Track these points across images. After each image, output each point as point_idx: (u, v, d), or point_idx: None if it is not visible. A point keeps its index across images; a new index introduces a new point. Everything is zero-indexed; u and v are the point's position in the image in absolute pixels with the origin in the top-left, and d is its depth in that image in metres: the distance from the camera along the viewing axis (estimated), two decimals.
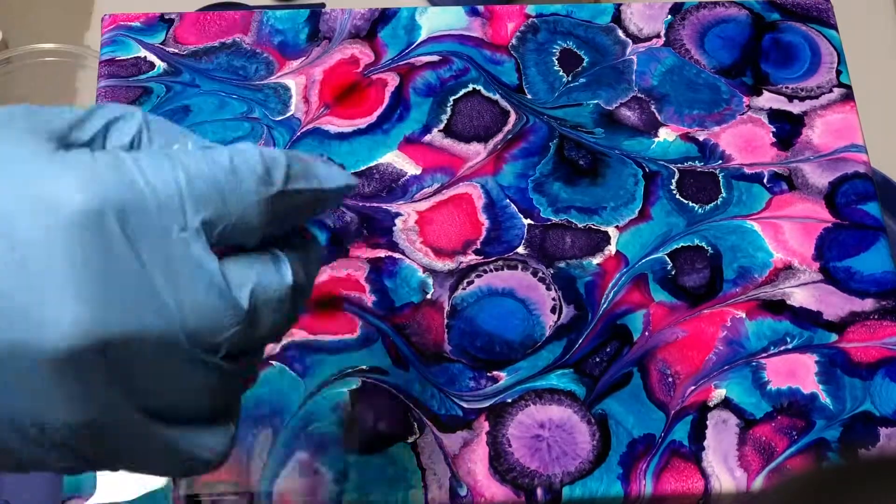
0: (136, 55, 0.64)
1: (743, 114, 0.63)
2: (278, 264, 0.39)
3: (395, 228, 0.59)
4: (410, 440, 0.54)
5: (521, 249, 0.59)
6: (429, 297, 0.57)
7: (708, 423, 0.55)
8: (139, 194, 0.37)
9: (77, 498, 0.52)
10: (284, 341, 0.56)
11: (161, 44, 0.64)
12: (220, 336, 0.38)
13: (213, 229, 0.38)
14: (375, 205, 0.60)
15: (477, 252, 0.59)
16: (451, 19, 0.66)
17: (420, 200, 0.60)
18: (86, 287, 0.35)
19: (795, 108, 0.64)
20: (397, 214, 0.59)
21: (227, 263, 0.38)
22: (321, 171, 0.40)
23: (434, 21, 0.66)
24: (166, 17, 0.65)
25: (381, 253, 0.58)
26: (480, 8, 0.66)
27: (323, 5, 0.85)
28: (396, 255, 0.58)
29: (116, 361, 0.36)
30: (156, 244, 0.37)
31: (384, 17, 0.66)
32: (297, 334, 0.56)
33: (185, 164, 0.38)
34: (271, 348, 0.55)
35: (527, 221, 0.59)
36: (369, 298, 0.57)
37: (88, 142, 0.39)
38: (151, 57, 0.64)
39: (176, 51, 0.64)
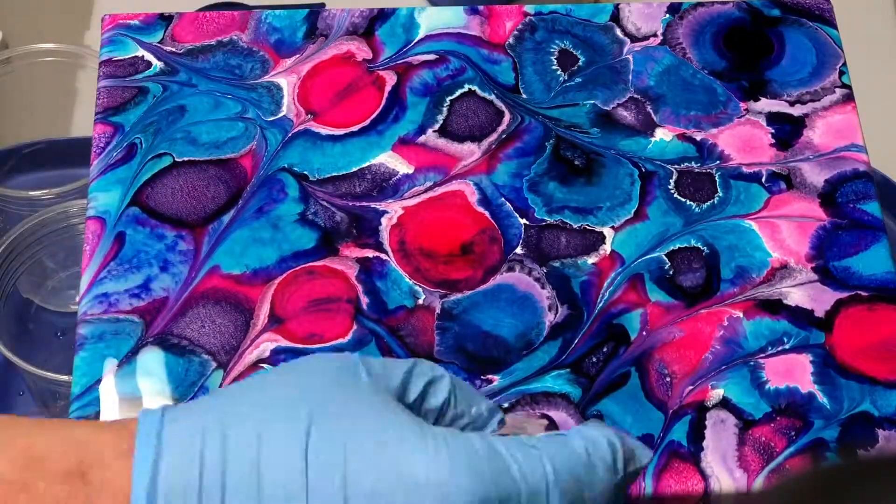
0: (133, 54, 0.64)
1: (741, 117, 0.63)
2: None
3: (381, 227, 0.59)
4: None
5: (518, 250, 0.58)
6: (420, 302, 0.57)
7: (707, 423, 0.54)
8: (513, 483, 0.40)
9: None
10: (276, 345, 0.55)
11: (159, 43, 0.64)
12: None
13: None
14: (365, 204, 0.59)
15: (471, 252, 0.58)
16: (450, 17, 0.66)
17: (410, 198, 0.60)
18: None
19: (796, 110, 0.63)
20: (384, 212, 0.59)
21: None
22: (638, 450, 0.44)
23: (433, 19, 0.65)
24: (165, 15, 0.65)
25: (370, 253, 0.58)
26: (480, 6, 0.66)
27: (323, 5, 0.85)
28: (384, 257, 0.58)
29: None
30: None
31: (382, 15, 0.66)
32: (290, 337, 0.56)
33: (551, 455, 0.41)
34: (262, 350, 0.55)
35: (522, 221, 0.59)
36: (362, 300, 0.57)
37: (414, 402, 0.43)
38: (149, 56, 0.63)
39: (173, 49, 0.64)
